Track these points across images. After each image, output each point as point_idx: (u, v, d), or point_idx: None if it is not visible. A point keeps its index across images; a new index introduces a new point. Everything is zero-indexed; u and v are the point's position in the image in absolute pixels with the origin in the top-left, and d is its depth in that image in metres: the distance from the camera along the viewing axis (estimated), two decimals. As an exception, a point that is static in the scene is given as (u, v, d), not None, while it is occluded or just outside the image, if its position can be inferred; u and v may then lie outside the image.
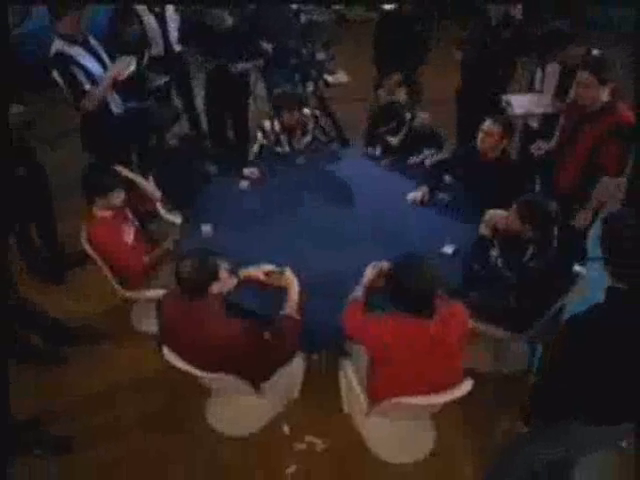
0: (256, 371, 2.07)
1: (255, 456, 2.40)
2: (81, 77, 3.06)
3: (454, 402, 1.89)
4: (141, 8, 3.80)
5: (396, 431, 2.41)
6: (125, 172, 2.81)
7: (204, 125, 4.46)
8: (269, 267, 2.27)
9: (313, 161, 3.34)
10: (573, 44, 2.99)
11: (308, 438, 2.46)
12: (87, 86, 3.08)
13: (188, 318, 1.92)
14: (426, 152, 3.34)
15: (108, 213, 2.61)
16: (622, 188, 2.89)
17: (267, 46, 3.94)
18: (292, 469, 2.35)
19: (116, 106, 3.33)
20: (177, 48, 4.05)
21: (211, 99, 4.10)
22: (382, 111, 3.53)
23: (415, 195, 2.93)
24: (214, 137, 4.35)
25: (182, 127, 4.27)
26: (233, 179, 3.17)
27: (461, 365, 1.93)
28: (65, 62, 3.01)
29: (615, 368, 1.54)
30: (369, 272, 2.15)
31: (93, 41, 3.21)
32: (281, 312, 2.08)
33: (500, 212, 2.47)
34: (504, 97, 3.24)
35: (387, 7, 4.53)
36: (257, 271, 2.27)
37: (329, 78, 4.39)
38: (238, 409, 2.54)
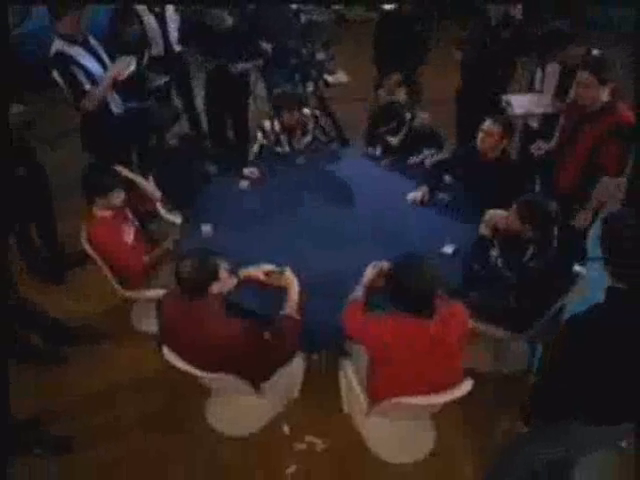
0: (256, 371, 2.07)
1: (255, 456, 2.40)
2: (81, 77, 3.06)
3: (454, 402, 1.89)
4: (141, 8, 3.81)
5: (396, 431, 2.41)
6: (125, 172, 2.81)
7: (204, 125, 4.46)
8: (269, 267, 2.27)
9: (313, 161, 3.34)
10: (573, 44, 2.99)
11: (308, 438, 2.46)
12: (87, 86, 3.08)
13: (188, 318, 1.92)
14: (426, 152, 3.34)
15: (108, 213, 2.61)
16: (622, 188, 2.89)
17: (267, 46, 3.94)
18: (292, 469, 2.35)
19: (116, 106, 3.33)
20: (177, 48, 4.04)
21: (211, 99, 4.10)
22: (382, 111, 3.53)
23: (415, 195, 2.93)
24: (214, 137, 4.35)
25: (182, 127, 4.26)
26: (233, 179, 3.17)
27: (461, 365, 1.93)
28: (65, 62, 3.01)
29: (615, 368, 1.54)
30: (369, 272, 2.15)
31: (93, 41, 3.21)
32: (281, 312, 2.08)
33: (500, 212, 2.47)
34: (504, 97, 3.24)
35: (387, 7, 4.52)
36: (257, 271, 2.27)
37: (329, 78, 4.38)
38: (238, 409, 2.54)
